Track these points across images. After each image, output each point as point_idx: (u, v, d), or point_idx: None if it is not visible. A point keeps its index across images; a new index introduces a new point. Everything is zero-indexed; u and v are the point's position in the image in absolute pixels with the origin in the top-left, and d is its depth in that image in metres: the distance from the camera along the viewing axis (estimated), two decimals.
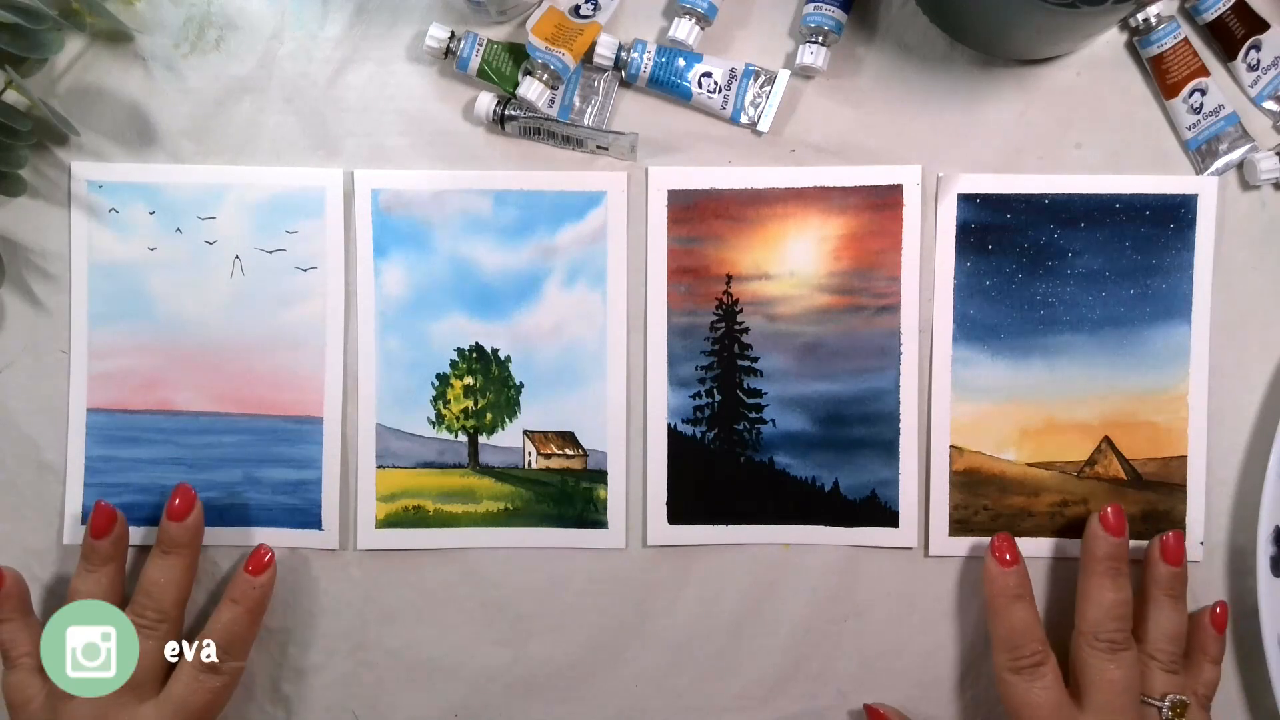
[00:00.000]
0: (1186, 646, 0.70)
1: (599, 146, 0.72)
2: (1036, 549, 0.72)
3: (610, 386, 0.73)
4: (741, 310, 0.72)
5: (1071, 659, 0.69)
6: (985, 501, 0.72)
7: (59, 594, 0.73)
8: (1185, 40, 0.70)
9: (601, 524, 0.73)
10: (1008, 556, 0.69)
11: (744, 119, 0.71)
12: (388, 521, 0.73)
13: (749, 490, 0.73)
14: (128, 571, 0.72)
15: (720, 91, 0.71)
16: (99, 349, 0.73)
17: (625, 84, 0.72)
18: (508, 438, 0.73)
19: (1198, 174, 0.71)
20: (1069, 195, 0.71)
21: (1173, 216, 0.71)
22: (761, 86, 0.71)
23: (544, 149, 0.72)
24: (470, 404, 0.73)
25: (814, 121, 0.72)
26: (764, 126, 0.71)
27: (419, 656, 0.73)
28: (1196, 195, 0.71)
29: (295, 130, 0.73)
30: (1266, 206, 0.72)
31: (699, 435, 0.73)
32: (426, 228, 0.73)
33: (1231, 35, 0.70)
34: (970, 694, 0.73)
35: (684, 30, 0.70)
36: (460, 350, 0.73)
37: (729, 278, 0.72)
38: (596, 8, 0.70)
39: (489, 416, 0.73)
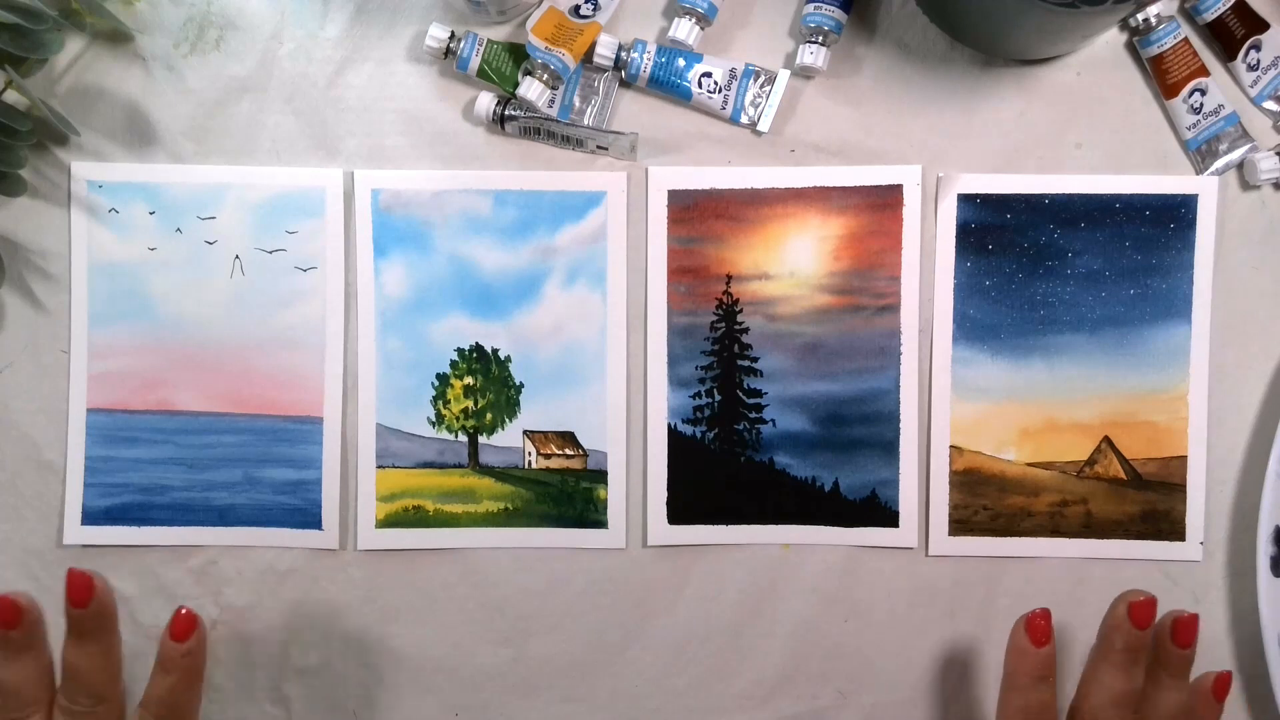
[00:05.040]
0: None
1: (599, 146, 0.72)
2: (1036, 549, 0.72)
3: (610, 386, 0.73)
4: (741, 310, 0.72)
5: None
6: (985, 501, 0.72)
7: (57, 594, 0.72)
8: (1185, 40, 0.70)
9: (601, 524, 0.73)
10: (1043, 637, 0.63)
11: (744, 119, 0.71)
12: (388, 521, 0.73)
13: (749, 490, 0.73)
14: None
15: (720, 91, 0.71)
16: (99, 349, 0.73)
17: (625, 84, 0.72)
18: (508, 438, 0.73)
19: (1198, 174, 0.71)
20: (1069, 195, 0.71)
21: (1173, 216, 0.71)
22: (761, 86, 0.71)
23: (544, 149, 0.73)
24: (470, 404, 0.73)
25: (814, 121, 0.72)
26: (764, 126, 0.71)
27: (419, 656, 0.73)
28: (1197, 195, 0.71)
29: (295, 130, 0.73)
30: (1266, 206, 0.72)
31: (699, 435, 0.73)
32: (426, 228, 0.73)
33: (1231, 35, 0.70)
34: (970, 694, 0.73)
35: (684, 30, 0.70)
36: (460, 350, 0.73)
37: (729, 278, 0.72)
38: (596, 8, 0.70)
39: (489, 416, 0.73)
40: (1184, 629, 0.62)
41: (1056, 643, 0.63)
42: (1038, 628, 0.63)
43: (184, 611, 0.63)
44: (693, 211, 0.72)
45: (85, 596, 0.60)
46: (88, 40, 0.73)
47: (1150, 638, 0.62)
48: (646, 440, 0.73)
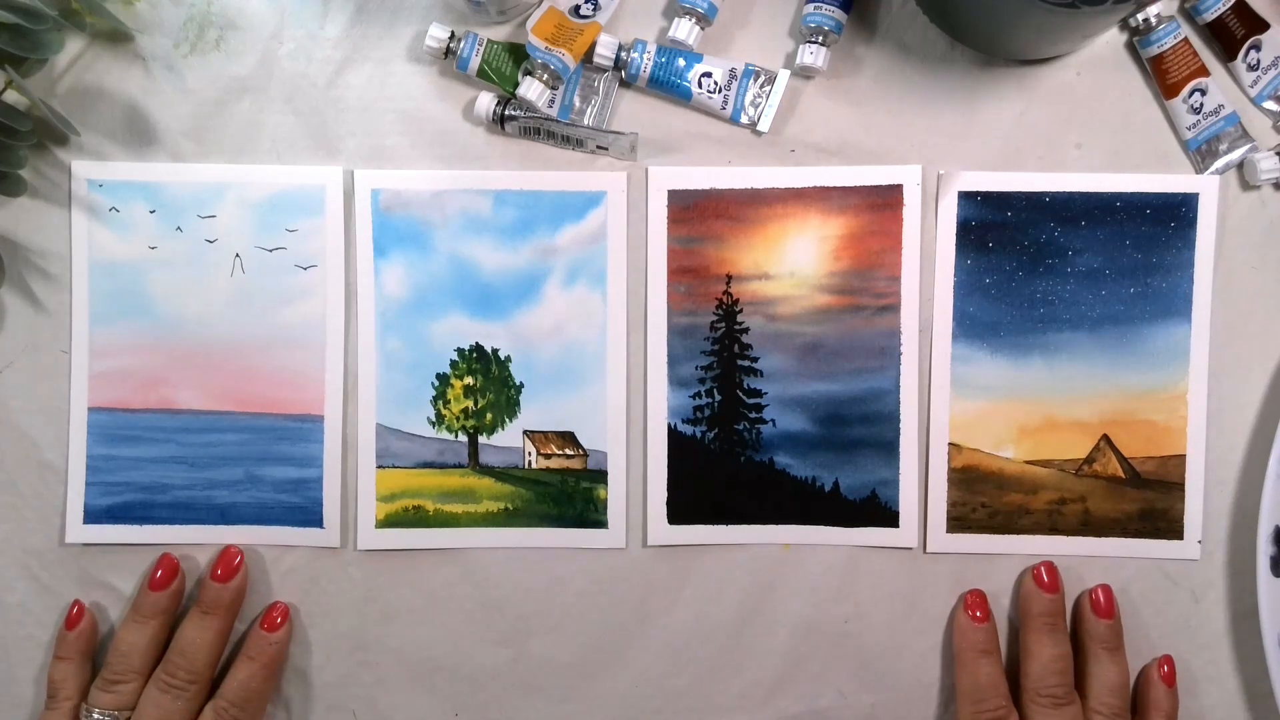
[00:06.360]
0: (1139, 703, 0.71)
1: (599, 146, 0.72)
2: (1033, 547, 0.73)
3: (610, 386, 0.73)
4: (741, 310, 0.72)
5: (1020, 717, 0.70)
6: (983, 499, 0.72)
7: (58, 594, 0.73)
8: (1185, 40, 0.70)
9: (601, 524, 0.73)
10: (978, 613, 0.71)
11: (744, 119, 0.71)
12: (388, 521, 0.73)
13: (749, 490, 0.73)
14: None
15: (720, 91, 0.71)
16: (99, 348, 0.73)
17: (625, 84, 0.72)
18: (508, 438, 0.73)
19: (1198, 174, 0.71)
20: (1070, 193, 0.71)
21: (1173, 215, 0.71)
22: (761, 86, 0.71)
23: (544, 149, 0.72)
24: (470, 404, 0.73)
25: (814, 121, 0.72)
26: (764, 126, 0.71)
27: (419, 656, 0.74)
28: (1198, 194, 0.71)
29: (295, 130, 0.73)
30: (1266, 206, 0.72)
31: (699, 435, 0.73)
32: (426, 228, 0.73)
33: (1231, 35, 0.70)
34: None
35: (684, 30, 0.70)
36: (460, 350, 0.73)
37: (729, 278, 0.72)
38: (596, 8, 0.70)
39: (489, 416, 0.73)
40: (1101, 600, 0.71)
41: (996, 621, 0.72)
42: (973, 604, 0.71)
43: (278, 609, 0.72)
44: (693, 211, 0.72)
45: (232, 572, 0.71)
46: (88, 40, 0.73)
47: (1062, 601, 0.71)
48: (646, 440, 0.73)
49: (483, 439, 0.73)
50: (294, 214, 0.73)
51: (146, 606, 0.70)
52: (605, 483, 0.73)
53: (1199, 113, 0.70)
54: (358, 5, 0.72)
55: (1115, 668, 0.69)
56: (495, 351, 0.73)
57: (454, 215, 0.73)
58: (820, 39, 0.70)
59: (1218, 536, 0.73)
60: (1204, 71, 0.70)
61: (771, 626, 0.73)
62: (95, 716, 0.68)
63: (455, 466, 0.73)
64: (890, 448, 0.72)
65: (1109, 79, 0.72)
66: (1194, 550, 0.72)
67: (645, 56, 0.70)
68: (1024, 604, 0.71)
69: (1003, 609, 0.73)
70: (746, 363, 0.73)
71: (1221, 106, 0.70)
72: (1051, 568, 0.71)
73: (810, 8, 0.70)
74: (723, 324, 0.73)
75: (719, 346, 0.73)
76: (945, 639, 0.73)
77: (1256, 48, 0.70)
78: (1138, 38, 0.71)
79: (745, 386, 0.73)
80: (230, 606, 0.71)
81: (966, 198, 0.72)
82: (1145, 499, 0.72)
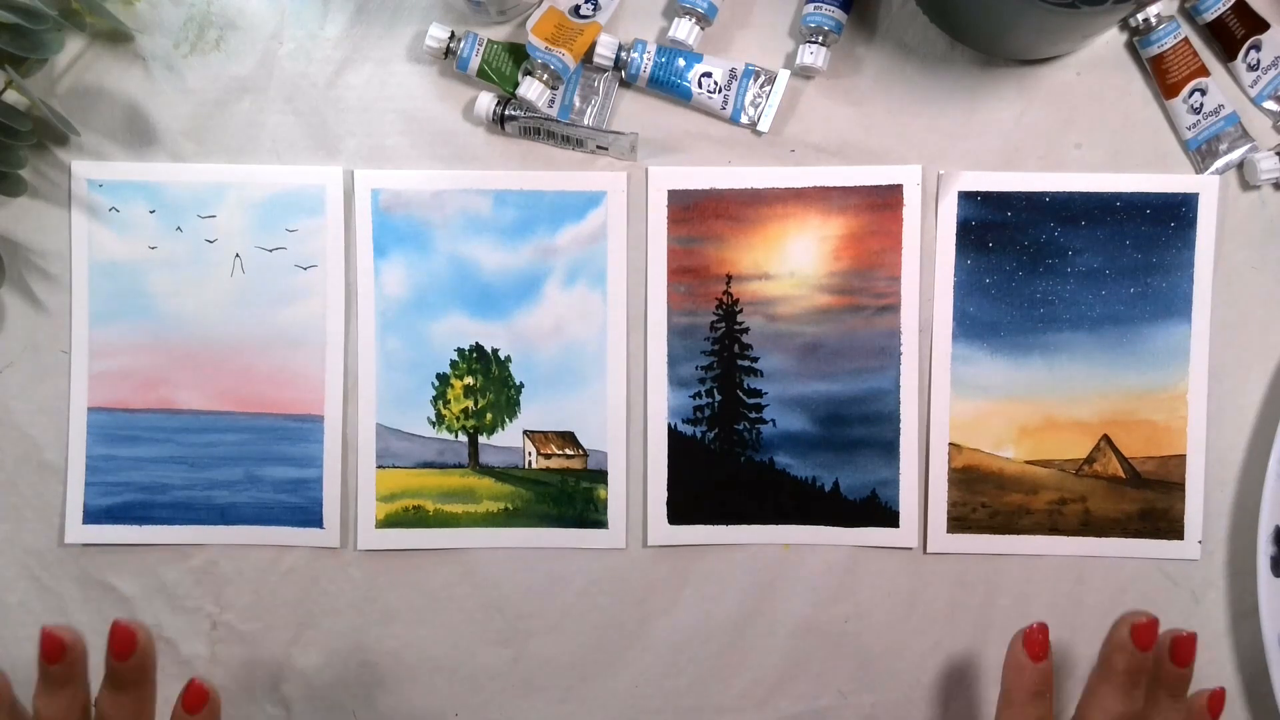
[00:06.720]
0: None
1: (599, 146, 0.72)
2: (1034, 547, 0.73)
3: (610, 386, 0.73)
4: (741, 310, 0.72)
5: None
6: (983, 499, 0.72)
7: (58, 594, 0.73)
8: (1185, 40, 0.70)
9: (601, 524, 0.73)
10: (1039, 651, 0.62)
11: (744, 119, 0.71)
12: (388, 521, 0.73)
13: (749, 490, 0.73)
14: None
15: (720, 91, 0.71)
16: (99, 348, 0.73)
17: (625, 84, 0.72)
18: (508, 438, 0.73)
19: (1198, 174, 0.71)
20: (1070, 193, 0.72)
21: (1173, 215, 0.71)
22: (761, 86, 0.71)
23: (544, 149, 0.73)
24: (470, 404, 0.73)
25: (814, 121, 0.72)
26: (764, 126, 0.71)
27: (419, 656, 0.74)
28: (1197, 194, 0.71)
29: (295, 130, 0.73)
30: (1266, 206, 0.72)
31: (699, 435, 0.73)
32: (426, 228, 0.73)
33: (1231, 35, 0.70)
34: (970, 693, 0.73)
35: (684, 30, 0.70)
36: (460, 350, 0.73)
37: (729, 278, 0.72)
38: (596, 8, 0.70)
39: (489, 416, 0.73)
40: (1182, 648, 0.61)
41: (1054, 658, 0.62)
42: (1035, 642, 0.62)
43: (198, 686, 0.61)
44: (693, 211, 0.72)
45: (128, 650, 0.59)
46: (88, 40, 0.73)
47: (1151, 660, 0.61)
48: (646, 440, 0.73)
49: (483, 439, 0.73)
50: (294, 214, 0.73)
51: (52, 679, 0.60)
52: (605, 483, 0.73)
53: (1199, 113, 0.70)
54: (358, 5, 0.72)
55: (1175, 716, 0.62)
56: (495, 351, 0.73)
57: (454, 215, 0.73)
58: (820, 39, 0.70)
59: (1218, 536, 0.73)
60: (1204, 71, 0.70)
61: (771, 626, 0.73)
62: None
63: (455, 466, 0.73)
64: (890, 448, 0.72)
65: (1109, 79, 0.72)
66: (1194, 550, 0.72)
67: (645, 56, 0.70)
68: (1111, 652, 0.62)
69: (1001, 609, 0.73)
70: (746, 363, 0.73)
71: (1221, 106, 0.70)
72: (1154, 625, 0.61)
73: (810, 8, 0.70)
74: (723, 324, 0.73)
75: (719, 346, 0.73)
76: (946, 639, 0.73)
77: (1256, 48, 0.70)
78: (1138, 38, 0.71)
79: (745, 386, 0.73)
80: (139, 681, 0.61)
81: (966, 198, 0.72)
82: (1145, 499, 0.72)
